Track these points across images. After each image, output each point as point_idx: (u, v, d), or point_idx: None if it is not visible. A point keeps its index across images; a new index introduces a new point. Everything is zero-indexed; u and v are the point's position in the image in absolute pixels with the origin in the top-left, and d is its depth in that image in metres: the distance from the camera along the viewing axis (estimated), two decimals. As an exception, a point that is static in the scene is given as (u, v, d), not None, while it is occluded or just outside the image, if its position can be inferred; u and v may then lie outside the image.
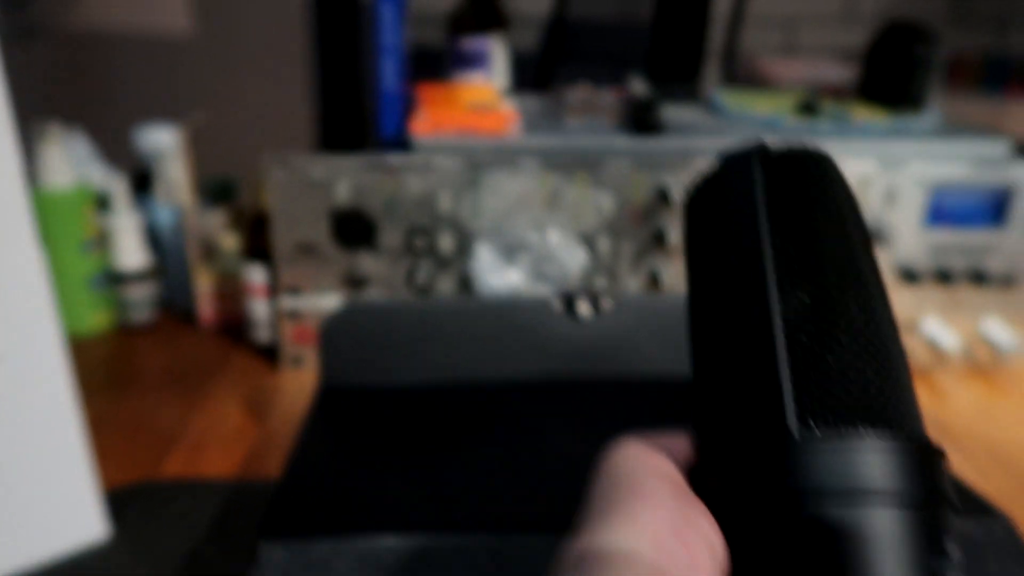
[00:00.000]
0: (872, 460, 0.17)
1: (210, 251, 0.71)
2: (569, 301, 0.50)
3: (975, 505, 0.35)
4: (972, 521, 0.33)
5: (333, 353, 0.49)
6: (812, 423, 0.18)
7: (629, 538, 0.17)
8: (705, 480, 0.20)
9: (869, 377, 0.18)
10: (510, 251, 0.54)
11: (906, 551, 0.17)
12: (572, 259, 0.56)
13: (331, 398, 0.48)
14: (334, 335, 0.48)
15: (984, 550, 0.31)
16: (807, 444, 0.18)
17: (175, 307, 0.75)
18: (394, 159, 0.58)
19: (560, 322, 0.49)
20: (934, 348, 0.68)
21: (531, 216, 0.56)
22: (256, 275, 0.64)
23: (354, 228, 0.59)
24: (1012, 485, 0.53)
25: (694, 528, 0.18)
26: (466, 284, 0.57)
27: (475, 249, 0.54)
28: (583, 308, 0.50)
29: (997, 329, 0.69)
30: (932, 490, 0.18)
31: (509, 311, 0.48)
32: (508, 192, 0.56)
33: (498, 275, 0.53)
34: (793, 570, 0.17)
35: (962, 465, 0.55)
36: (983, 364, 0.70)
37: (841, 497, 0.17)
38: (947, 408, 0.64)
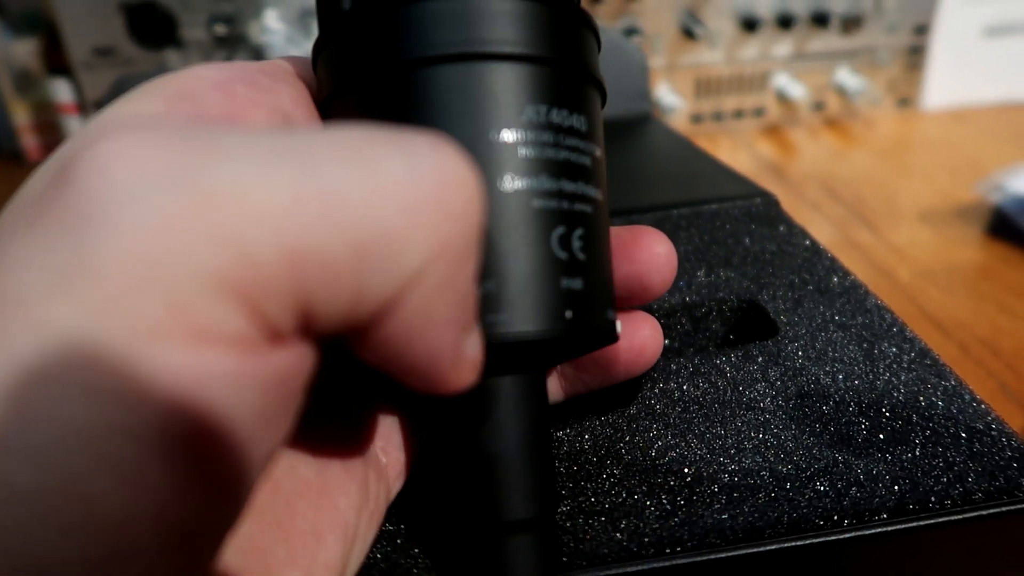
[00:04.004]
0: (472, 10, 0.16)
1: (26, 83, 0.65)
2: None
3: (745, 187, 0.35)
4: (739, 200, 0.33)
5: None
6: None
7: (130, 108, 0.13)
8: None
9: None
10: (305, 18, 0.50)
11: (504, 101, 0.15)
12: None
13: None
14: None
15: (740, 224, 0.32)
16: (391, 6, 0.16)
17: (0, 150, 0.70)
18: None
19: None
20: (784, 100, 0.68)
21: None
22: (62, 92, 0.60)
23: (151, 23, 0.55)
24: (841, 211, 0.55)
25: (251, 87, 0.15)
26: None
27: (264, 18, 0.51)
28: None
29: (846, 75, 0.68)
30: (553, 49, 0.16)
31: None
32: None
33: (297, 49, 0.50)
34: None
35: (795, 203, 0.56)
36: (834, 114, 0.70)
37: (439, 54, 0.15)
38: (793, 156, 0.65)
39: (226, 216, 0.10)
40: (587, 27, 0.17)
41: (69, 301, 0.10)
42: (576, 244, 0.16)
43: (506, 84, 0.16)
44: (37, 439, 0.10)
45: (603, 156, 0.18)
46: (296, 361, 0.12)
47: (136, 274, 0.10)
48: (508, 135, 0.15)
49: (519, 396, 0.17)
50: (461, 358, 0.13)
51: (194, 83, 0.14)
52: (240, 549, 0.14)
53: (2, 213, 0.12)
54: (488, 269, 0.15)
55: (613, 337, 0.17)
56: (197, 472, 0.11)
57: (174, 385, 0.10)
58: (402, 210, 0.11)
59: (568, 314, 0.16)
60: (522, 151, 0.15)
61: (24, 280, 0.10)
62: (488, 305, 0.15)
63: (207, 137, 0.11)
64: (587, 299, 0.16)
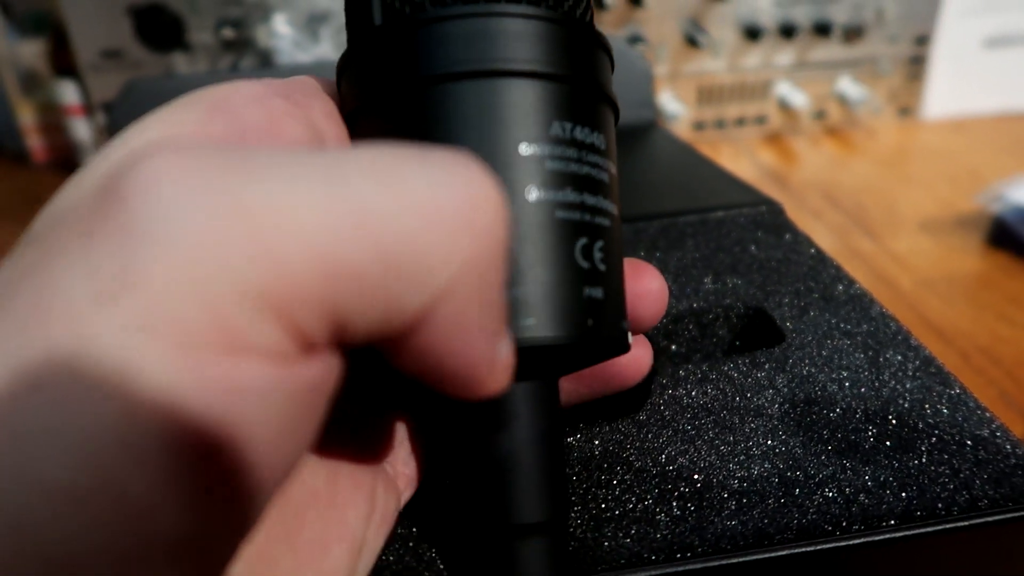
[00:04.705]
0: (501, 29, 0.16)
1: (32, 83, 0.66)
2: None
3: (751, 195, 0.35)
4: (744, 208, 0.34)
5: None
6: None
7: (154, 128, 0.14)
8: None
9: None
10: (313, 23, 0.51)
11: (533, 116, 0.16)
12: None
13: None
14: (121, 118, 0.45)
15: (746, 232, 0.32)
16: (423, 23, 0.16)
17: (5, 149, 0.71)
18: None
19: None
20: (786, 108, 0.68)
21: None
22: (69, 93, 0.60)
23: (159, 26, 0.55)
24: (842, 219, 0.55)
25: (286, 100, 0.15)
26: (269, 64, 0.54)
27: (272, 22, 0.51)
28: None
29: (847, 84, 0.69)
30: (576, 69, 0.17)
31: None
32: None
33: (304, 53, 0.50)
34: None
35: (796, 210, 0.57)
36: (836, 123, 0.70)
37: (468, 70, 0.16)
38: (795, 164, 0.65)
39: (263, 231, 0.11)
40: (603, 48, 0.18)
41: (116, 312, 0.10)
42: (597, 255, 0.16)
43: (535, 100, 0.16)
44: (71, 440, 0.10)
45: (617, 173, 0.18)
46: (324, 372, 0.12)
47: (178, 287, 0.10)
48: (535, 149, 0.16)
49: (534, 402, 0.17)
50: (495, 363, 0.13)
51: (233, 95, 0.15)
52: (248, 559, 0.14)
53: (42, 216, 0.13)
54: (514, 276, 0.15)
55: (626, 347, 0.18)
56: (221, 480, 0.11)
57: (209, 395, 0.10)
58: (430, 225, 0.12)
59: (589, 322, 0.16)
60: (548, 164, 0.16)
61: (74, 290, 0.11)
62: (514, 311, 0.15)
63: (245, 156, 0.12)
64: (606, 309, 0.16)
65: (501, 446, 0.17)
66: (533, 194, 0.16)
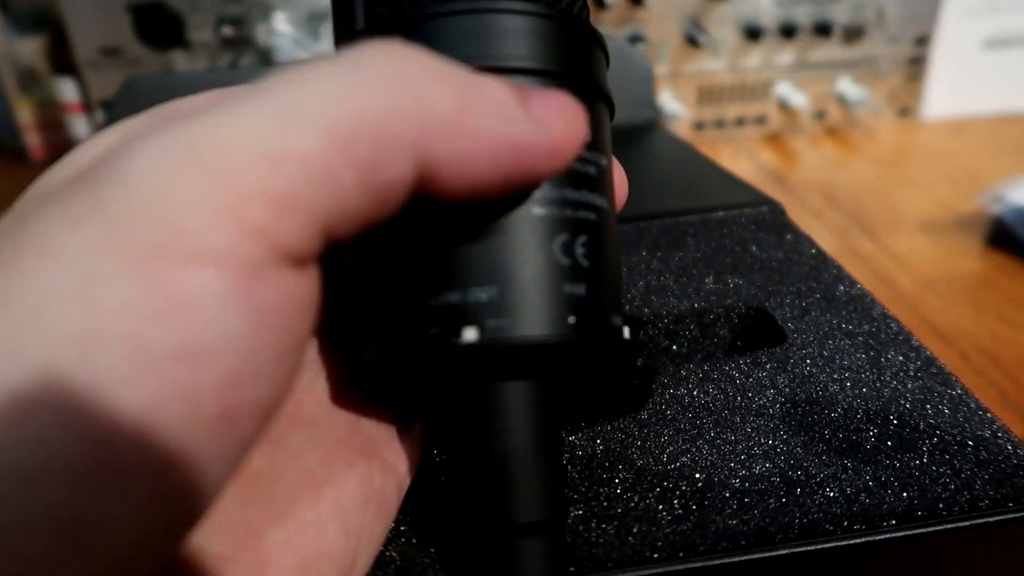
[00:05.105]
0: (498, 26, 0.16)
1: (31, 81, 0.65)
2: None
3: (752, 195, 0.35)
4: (746, 208, 0.34)
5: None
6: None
7: None
8: None
9: None
10: (313, 21, 0.51)
11: None
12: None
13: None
14: (120, 116, 0.45)
15: (747, 232, 0.32)
16: (415, 20, 0.16)
17: (3, 147, 0.70)
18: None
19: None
20: (786, 109, 0.68)
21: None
22: (68, 91, 0.60)
23: (158, 24, 0.55)
24: (841, 219, 0.55)
25: None
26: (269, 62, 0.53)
27: (272, 20, 0.51)
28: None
29: (847, 85, 0.69)
30: (569, 67, 0.17)
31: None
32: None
33: (304, 52, 0.50)
34: None
35: (796, 210, 0.57)
36: (835, 124, 0.70)
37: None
38: (794, 165, 0.65)
39: (208, 146, 0.12)
40: (595, 43, 0.18)
41: (81, 235, 0.11)
42: (579, 251, 0.16)
43: None
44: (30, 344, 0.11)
45: (610, 166, 0.18)
46: (296, 288, 0.13)
47: (131, 206, 0.11)
48: None
49: (529, 401, 0.17)
50: (543, 121, 0.14)
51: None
52: (233, 532, 0.14)
53: (21, 200, 0.14)
54: (491, 275, 0.15)
55: (620, 343, 0.18)
56: (186, 387, 0.11)
57: (159, 302, 0.11)
58: (360, 79, 0.13)
59: (572, 319, 0.16)
60: None
61: (50, 220, 0.12)
62: (492, 310, 0.15)
63: (188, 102, 0.14)
64: (591, 305, 0.16)
65: (496, 444, 0.17)
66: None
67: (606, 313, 0.17)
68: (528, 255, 0.15)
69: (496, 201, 0.15)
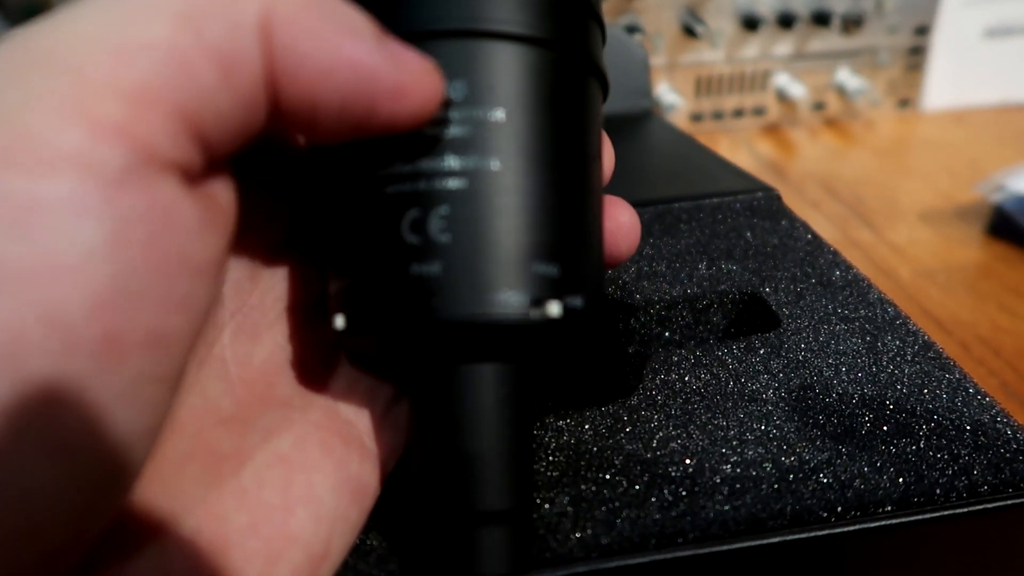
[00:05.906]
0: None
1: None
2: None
3: (747, 181, 0.34)
4: (740, 195, 0.33)
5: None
6: None
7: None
8: None
9: None
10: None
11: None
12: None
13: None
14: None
15: (742, 218, 0.31)
16: None
17: None
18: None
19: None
20: (784, 99, 0.68)
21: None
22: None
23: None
24: (841, 210, 0.54)
25: None
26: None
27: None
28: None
29: (846, 75, 0.68)
30: (565, 34, 0.16)
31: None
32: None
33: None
34: None
35: (795, 201, 0.56)
36: (834, 114, 0.70)
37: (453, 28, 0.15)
38: (793, 156, 0.65)
39: (52, 47, 0.11)
40: (592, 17, 0.17)
41: None
42: (436, 226, 0.15)
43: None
44: None
45: (521, 121, 0.15)
46: (170, 202, 0.12)
47: None
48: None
49: (490, 387, 0.16)
50: (396, 57, 0.13)
51: None
52: (194, 514, 0.14)
53: None
54: (347, 264, 0.15)
55: (519, 320, 0.15)
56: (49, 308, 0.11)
57: (15, 213, 0.10)
58: None
59: (432, 302, 0.15)
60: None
61: None
62: (351, 297, 0.15)
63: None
64: (448, 284, 0.15)
65: (457, 431, 0.16)
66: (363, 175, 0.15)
67: (476, 291, 0.15)
68: (373, 237, 0.15)
69: (345, 174, 0.15)
